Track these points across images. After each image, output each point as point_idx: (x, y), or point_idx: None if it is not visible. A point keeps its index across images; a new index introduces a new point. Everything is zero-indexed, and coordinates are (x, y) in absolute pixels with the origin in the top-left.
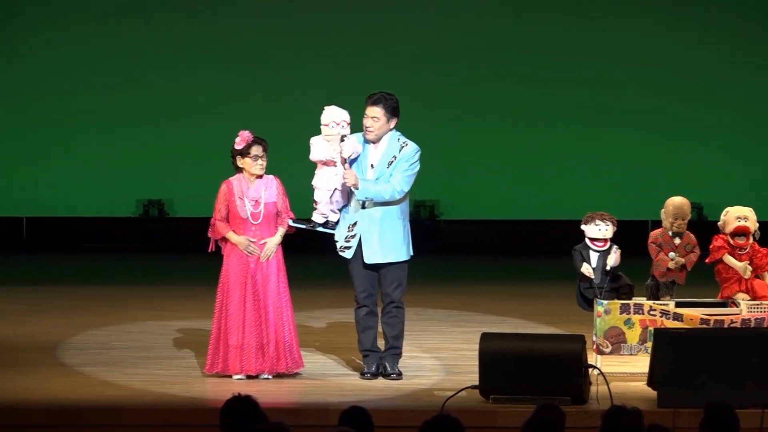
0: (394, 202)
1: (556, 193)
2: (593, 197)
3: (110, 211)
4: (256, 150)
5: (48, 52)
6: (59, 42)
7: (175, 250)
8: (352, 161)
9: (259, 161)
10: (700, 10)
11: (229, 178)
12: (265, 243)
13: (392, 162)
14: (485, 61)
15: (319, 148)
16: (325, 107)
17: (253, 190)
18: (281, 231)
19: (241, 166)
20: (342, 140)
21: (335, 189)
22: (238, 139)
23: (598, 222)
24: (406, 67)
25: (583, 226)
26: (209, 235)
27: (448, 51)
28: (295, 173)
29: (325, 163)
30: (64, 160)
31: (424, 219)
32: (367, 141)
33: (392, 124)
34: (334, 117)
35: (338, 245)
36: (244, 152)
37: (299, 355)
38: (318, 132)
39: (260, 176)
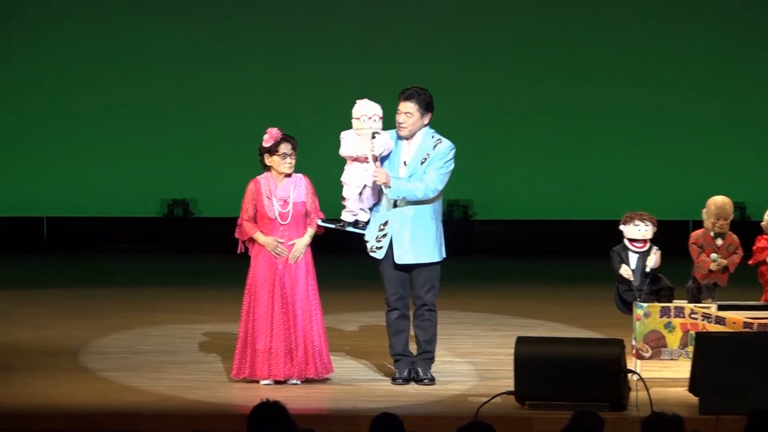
0: (427, 201)
1: (594, 192)
2: (632, 196)
3: (134, 210)
4: (284, 148)
5: (67, 47)
6: (78, 37)
7: (201, 251)
8: (384, 158)
9: (288, 159)
10: (741, 9)
11: (257, 177)
12: (293, 244)
13: (426, 159)
14: (522, 57)
15: (349, 143)
16: (357, 101)
17: (282, 190)
18: (310, 232)
19: (269, 164)
20: (373, 137)
21: (365, 185)
22: (266, 137)
23: (637, 222)
24: (439, 62)
25: (621, 227)
26: (236, 236)
27: (482, 46)
28: (324, 170)
29: (356, 159)
30: (85, 158)
31: (458, 219)
32: (399, 137)
33: (426, 119)
34: (366, 111)
35: (369, 246)
36: (272, 150)
37: (329, 359)
38: (348, 126)
39: (288, 175)
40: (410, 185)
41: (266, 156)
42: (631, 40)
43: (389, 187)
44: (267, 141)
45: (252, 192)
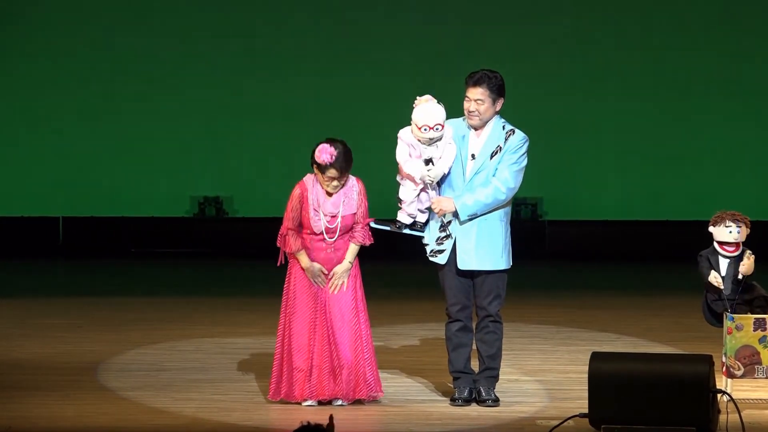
0: None
1: (680, 189)
2: (724, 194)
3: (160, 210)
4: (331, 173)
5: (84, 31)
6: (96, 21)
7: (236, 255)
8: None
9: (334, 183)
10: None
11: (305, 180)
12: (333, 275)
13: (496, 152)
14: (598, 44)
15: (405, 153)
16: (418, 100)
17: (331, 204)
18: (353, 249)
19: (316, 172)
20: (427, 164)
21: (422, 188)
22: (317, 152)
23: (728, 223)
24: (505, 48)
25: (711, 228)
26: (278, 245)
27: (555, 33)
28: (377, 166)
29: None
30: (105, 150)
31: (526, 220)
32: (467, 127)
33: (498, 105)
34: (427, 120)
35: (429, 249)
36: (320, 168)
37: (375, 379)
38: (403, 115)
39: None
40: (477, 195)
41: (315, 166)
42: (715, 32)
43: (457, 214)
44: (317, 156)
45: (298, 199)
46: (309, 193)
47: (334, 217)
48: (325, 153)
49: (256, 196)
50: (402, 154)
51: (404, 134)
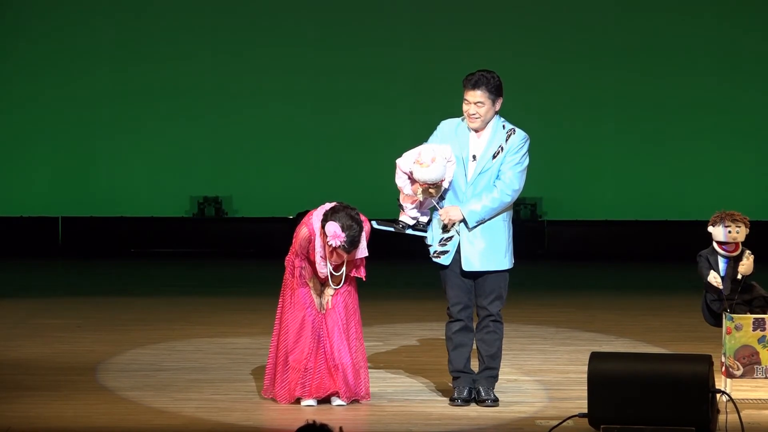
0: None
1: (680, 189)
2: (723, 194)
3: (160, 210)
4: (337, 251)
5: (82, 29)
6: (95, 18)
7: (236, 255)
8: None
9: (335, 256)
10: None
11: (312, 221)
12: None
13: (498, 153)
14: (596, 44)
15: (404, 178)
16: (422, 161)
17: (338, 256)
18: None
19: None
20: (429, 194)
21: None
22: (327, 227)
23: (728, 223)
24: (502, 49)
25: (710, 228)
26: (287, 273)
27: (553, 32)
28: (376, 163)
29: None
30: (105, 151)
31: (525, 220)
32: (467, 128)
33: (498, 105)
34: (426, 179)
35: (432, 250)
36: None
37: (358, 383)
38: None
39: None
40: (483, 201)
41: (322, 229)
42: (712, 33)
43: (466, 222)
44: (327, 232)
45: (306, 240)
46: (316, 238)
47: (339, 265)
48: (335, 238)
49: (255, 196)
50: (401, 180)
51: (403, 164)
